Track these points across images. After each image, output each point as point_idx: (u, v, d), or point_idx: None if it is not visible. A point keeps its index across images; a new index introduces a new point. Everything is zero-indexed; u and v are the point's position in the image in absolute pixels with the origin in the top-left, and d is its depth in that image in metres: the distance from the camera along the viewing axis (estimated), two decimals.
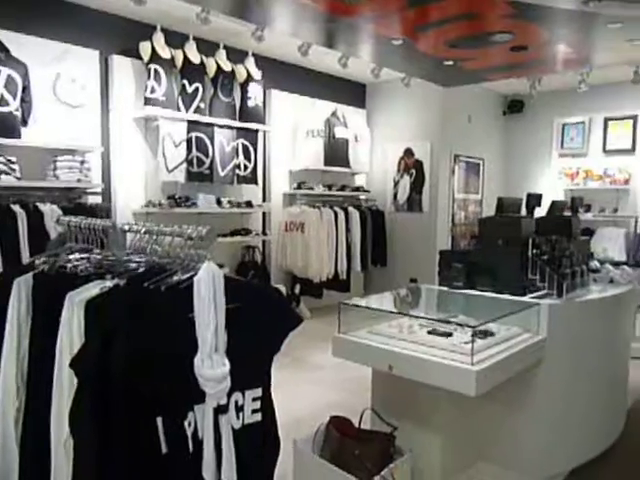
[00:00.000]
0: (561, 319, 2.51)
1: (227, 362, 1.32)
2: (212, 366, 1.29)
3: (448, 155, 7.54)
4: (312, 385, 4.25)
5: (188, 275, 1.35)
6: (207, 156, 5.46)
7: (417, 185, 7.52)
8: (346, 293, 6.97)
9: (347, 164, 7.16)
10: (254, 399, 1.46)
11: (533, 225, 2.83)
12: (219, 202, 5.60)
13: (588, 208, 7.63)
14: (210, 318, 1.29)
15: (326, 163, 6.90)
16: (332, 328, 2.50)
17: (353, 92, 7.77)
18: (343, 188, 7.19)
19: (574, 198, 3.76)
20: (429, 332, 2.36)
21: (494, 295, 2.67)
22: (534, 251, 2.65)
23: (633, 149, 7.42)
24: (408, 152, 7.61)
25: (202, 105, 5.38)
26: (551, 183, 8.02)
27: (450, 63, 5.58)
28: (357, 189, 7.49)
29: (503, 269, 2.68)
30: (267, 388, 1.51)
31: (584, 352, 2.81)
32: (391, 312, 2.52)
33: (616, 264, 3.71)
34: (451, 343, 2.21)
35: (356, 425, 2.61)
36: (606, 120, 7.64)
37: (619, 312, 3.12)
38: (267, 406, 1.50)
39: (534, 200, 3.30)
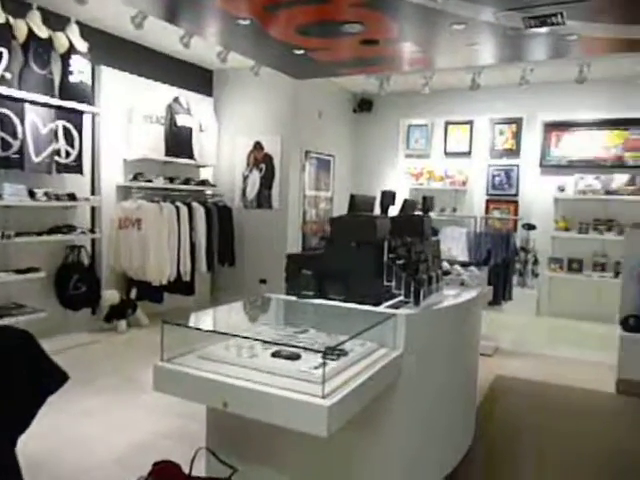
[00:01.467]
0: (419, 330, 2.28)
1: None
2: None
3: (299, 150, 7.30)
4: (143, 411, 3.65)
5: None
6: (15, 138, 4.53)
7: (267, 180, 7.17)
8: (190, 296, 6.39)
9: (191, 155, 6.56)
10: None
11: (388, 225, 2.58)
12: (32, 194, 4.69)
13: (415, 206, 7.89)
14: None
15: (167, 153, 6.23)
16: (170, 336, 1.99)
17: (198, 78, 7.16)
18: (187, 182, 6.57)
19: (426, 197, 3.64)
20: (273, 354, 1.97)
21: (348, 306, 2.36)
22: (390, 255, 2.39)
23: (469, 152, 7.83)
24: (258, 146, 7.22)
25: (8, 75, 4.43)
26: (398, 182, 8.19)
27: (301, 52, 5.28)
28: (202, 183, 6.91)
29: (357, 275, 2.39)
30: None
31: (441, 362, 2.64)
32: (223, 334, 2.07)
33: (463, 265, 3.67)
34: (299, 369, 1.84)
35: (186, 470, 2.14)
36: (446, 124, 7.97)
37: (471, 316, 3.03)
38: None
39: (389, 198, 3.09)
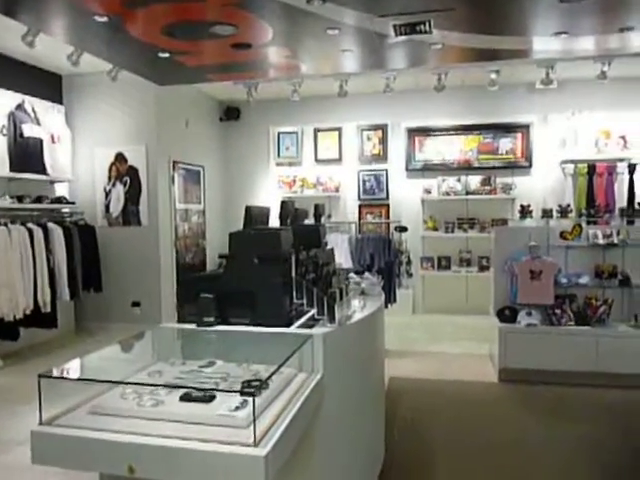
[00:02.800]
0: (336, 348, 2.12)
1: None
2: None
3: (166, 161, 6.84)
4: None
5: None
6: None
7: (133, 195, 6.61)
8: (52, 330, 5.65)
9: (43, 170, 5.82)
10: None
11: (291, 238, 2.39)
12: None
13: (306, 215, 7.86)
14: None
15: (13, 168, 5.45)
16: (33, 380, 1.58)
17: (46, 83, 6.40)
18: (39, 200, 5.81)
19: (317, 205, 3.51)
20: (182, 398, 1.68)
21: (256, 330, 2.13)
22: (298, 269, 2.21)
23: (340, 159, 7.94)
24: (120, 157, 6.63)
25: None
26: (271, 191, 8.05)
27: (166, 55, 4.91)
28: (58, 200, 6.17)
29: (263, 295, 2.17)
30: None
31: (357, 377, 2.52)
32: (118, 383, 1.73)
33: (357, 272, 3.61)
34: (216, 413, 1.57)
35: None
36: (316, 131, 8.01)
37: (378, 325, 2.95)
38: None
39: (288, 209, 2.91)
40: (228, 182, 8.31)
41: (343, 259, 5.20)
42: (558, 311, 4.52)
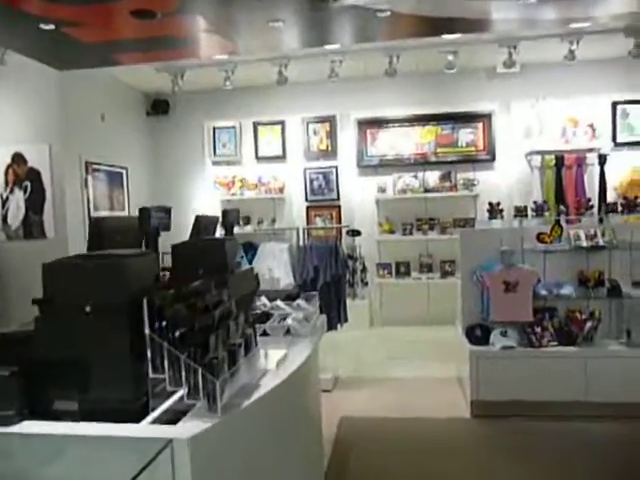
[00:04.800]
0: (218, 455, 1.26)
1: None
2: None
3: (77, 162, 5.81)
4: None
5: None
6: None
7: (35, 202, 5.54)
8: None
9: None
10: None
11: (156, 268, 1.51)
12: None
13: (248, 220, 7.00)
14: None
15: None
16: None
17: None
18: None
19: (227, 211, 2.64)
20: None
21: (78, 432, 1.23)
22: (157, 324, 1.33)
23: (284, 156, 7.07)
24: (18, 158, 5.55)
25: None
26: (208, 194, 7.11)
27: (50, 27, 3.93)
28: None
29: (99, 367, 1.29)
30: None
31: (266, 466, 1.64)
32: None
33: (288, 297, 2.74)
34: None
35: None
36: (256, 125, 7.11)
37: (307, 383, 2.09)
38: None
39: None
40: (157, 185, 7.30)
41: (282, 273, 4.33)
42: (538, 329, 3.77)
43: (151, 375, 1.32)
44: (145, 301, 1.31)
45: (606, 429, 3.51)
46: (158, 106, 7.22)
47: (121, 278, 1.35)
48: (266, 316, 2.27)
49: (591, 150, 6.33)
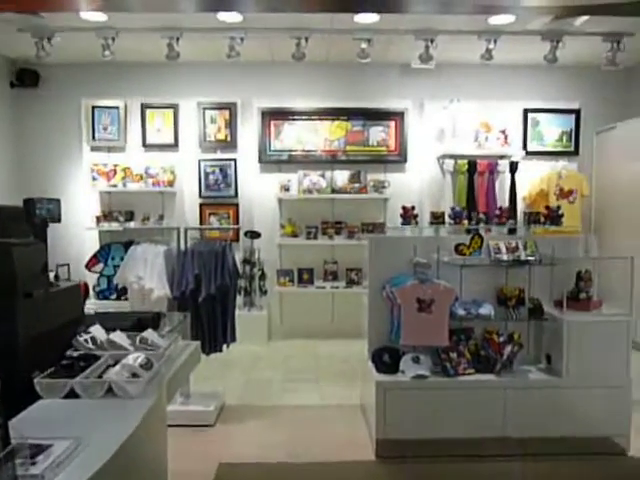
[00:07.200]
0: None
1: None
2: None
3: None
4: None
5: None
6: None
7: None
8: None
9: None
10: None
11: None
12: None
13: (131, 216, 6.06)
14: None
15: None
16: None
17: None
18: None
19: (31, 200, 1.84)
20: None
21: None
22: None
23: (176, 144, 6.21)
24: None
25: None
26: (84, 184, 6.09)
27: None
28: None
29: None
30: None
31: None
32: None
33: (140, 324, 1.98)
34: None
35: None
36: (144, 107, 6.19)
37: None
38: None
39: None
40: (22, 171, 6.15)
41: (155, 283, 3.53)
42: (454, 355, 3.27)
43: None
44: None
45: (524, 469, 3.08)
46: (25, 76, 6.08)
47: None
48: (88, 360, 1.52)
49: (503, 157, 6.09)
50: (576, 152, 6.28)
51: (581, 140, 6.27)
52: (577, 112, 6.25)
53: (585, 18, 4.79)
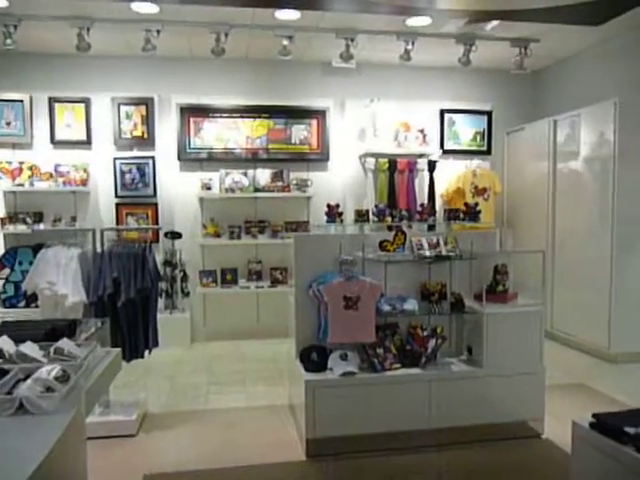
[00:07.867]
0: None
1: None
2: None
3: None
4: None
5: None
6: None
7: None
8: None
9: None
10: None
11: None
12: None
13: (40, 217, 5.67)
14: None
15: None
16: None
17: None
18: None
19: None
20: None
21: None
22: None
23: (88, 141, 5.87)
24: None
25: None
26: None
27: None
28: None
29: None
30: None
31: None
32: None
33: (54, 333, 1.83)
34: None
35: None
36: (52, 101, 5.80)
37: None
38: None
39: None
40: None
41: (69, 289, 3.31)
42: (380, 350, 3.32)
43: None
44: None
45: (448, 458, 3.18)
46: None
47: None
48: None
49: (422, 156, 6.27)
50: (489, 151, 6.58)
51: (493, 140, 6.58)
52: (489, 113, 6.55)
53: (495, 23, 5.02)
